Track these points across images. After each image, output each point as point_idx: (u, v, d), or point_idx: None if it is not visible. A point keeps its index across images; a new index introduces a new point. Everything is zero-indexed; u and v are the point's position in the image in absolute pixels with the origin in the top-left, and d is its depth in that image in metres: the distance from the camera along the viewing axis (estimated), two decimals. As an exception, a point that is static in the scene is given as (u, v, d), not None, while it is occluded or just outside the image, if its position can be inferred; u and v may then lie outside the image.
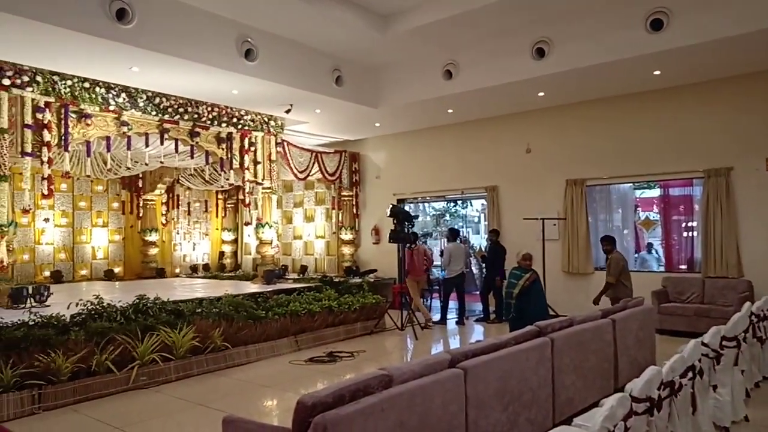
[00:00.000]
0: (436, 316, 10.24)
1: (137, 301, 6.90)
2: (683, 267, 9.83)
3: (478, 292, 11.59)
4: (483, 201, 15.53)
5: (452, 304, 10.45)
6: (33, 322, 5.89)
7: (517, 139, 10.90)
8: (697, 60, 7.83)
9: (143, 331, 6.32)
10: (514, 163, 10.97)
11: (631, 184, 10.35)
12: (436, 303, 11.37)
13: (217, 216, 15.27)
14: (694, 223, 9.68)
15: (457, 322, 10.06)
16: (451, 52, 9.19)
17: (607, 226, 10.57)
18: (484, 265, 10.58)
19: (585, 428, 3.24)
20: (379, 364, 7.58)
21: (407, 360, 7.76)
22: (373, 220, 13.27)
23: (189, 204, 14.48)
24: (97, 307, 6.49)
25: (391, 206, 9.37)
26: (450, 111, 10.62)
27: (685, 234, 10.06)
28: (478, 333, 9.56)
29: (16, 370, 5.14)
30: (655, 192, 10.52)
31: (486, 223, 18.68)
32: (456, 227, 11.56)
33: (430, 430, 3.09)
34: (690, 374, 3.51)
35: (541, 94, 9.48)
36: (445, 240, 10.71)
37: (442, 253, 10.67)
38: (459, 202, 16.32)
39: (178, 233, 14.39)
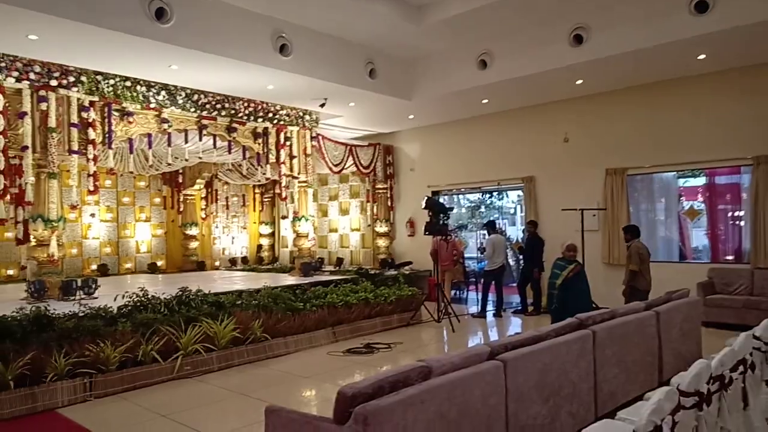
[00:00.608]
0: (474, 309, 10.18)
1: (180, 293, 7.10)
2: (730, 258, 9.47)
3: (515, 284, 11.44)
4: (518, 192, 15.36)
5: (490, 296, 10.36)
6: (83, 314, 6.13)
7: (554, 129, 10.68)
8: (744, 43, 7.50)
9: (186, 323, 6.50)
10: (551, 152, 10.77)
11: (674, 173, 10.01)
12: (473, 295, 11.31)
13: (254, 210, 15.55)
14: (742, 212, 9.31)
15: (494, 315, 9.97)
16: (486, 41, 9.07)
17: (649, 216, 10.28)
18: (521, 257, 10.41)
19: (630, 422, 3.18)
20: (415, 356, 7.61)
21: (444, 352, 7.75)
22: (408, 212, 13.26)
23: (227, 198, 14.77)
24: (142, 299, 6.71)
25: (426, 198, 9.34)
26: (485, 101, 10.49)
27: (731, 223, 9.69)
28: (515, 325, 9.47)
29: (68, 359, 5.36)
30: (700, 180, 10.14)
31: (522, 214, 18.45)
32: (493, 219, 11.42)
33: (469, 422, 3.09)
34: (741, 368, 3.38)
35: (579, 81, 9.26)
36: (484, 232, 10.58)
37: (481, 246, 10.59)
38: (495, 194, 16.15)
39: (217, 227, 14.72)
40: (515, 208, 18.90)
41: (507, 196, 16.99)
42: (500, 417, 3.33)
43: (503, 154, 11.45)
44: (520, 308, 10.26)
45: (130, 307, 6.53)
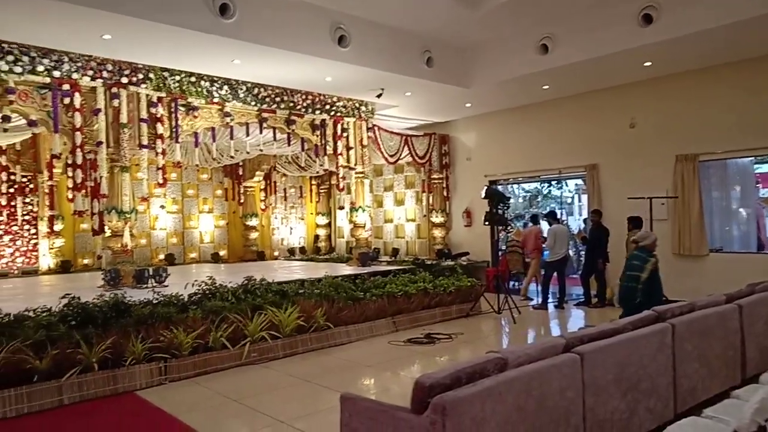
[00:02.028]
0: (534, 300, 9.98)
1: (246, 282, 7.29)
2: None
3: (576, 275, 11.13)
4: (576, 181, 14.87)
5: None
6: (156, 301, 6.40)
7: (620, 114, 10.25)
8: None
9: (252, 311, 6.68)
10: (616, 139, 10.35)
11: (750, 158, 9.42)
12: (532, 287, 11.07)
13: (311, 201, 15.79)
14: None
15: (556, 306, 9.74)
16: (547, 25, 8.77)
17: (723, 204, 9.74)
18: (584, 247, 10.09)
19: (720, 421, 3.02)
20: (477, 347, 7.53)
21: (506, 343, 7.63)
22: (465, 202, 13.11)
23: (285, 190, 15.06)
24: (211, 287, 6.93)
25: (486, 187, 9.18)
26: (545, 87, 10.18)
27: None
28: (579, 318, 9.21)
29: (145, 344, 5.62)
30: (780, 166, 9.52)
31: (581, 204, 17.84)
32: (553, 209, 11.12)
33: (547, 414, 3.01)
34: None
35: (648, 63, 8.82)
36: (545, 223, 10.34)
37: (542, 236, 10.37)
38: (554, 183, 15.72)
39: (275, 218, 15.04)
40: (573, 198, 18.34)
41: (566, 185, 16.52)
42: (577, 411, 3.23)
43: (564, 142, 11.10)
44: (583, 300, 9.96)
45: (199, 295, 6.76)
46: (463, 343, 7.27)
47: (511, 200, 13.65)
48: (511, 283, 11.76)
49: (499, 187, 12.66)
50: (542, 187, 16.40)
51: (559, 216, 11.79)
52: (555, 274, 9.89)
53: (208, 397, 5.29)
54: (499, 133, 12.35)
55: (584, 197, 18.69)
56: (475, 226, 12.87)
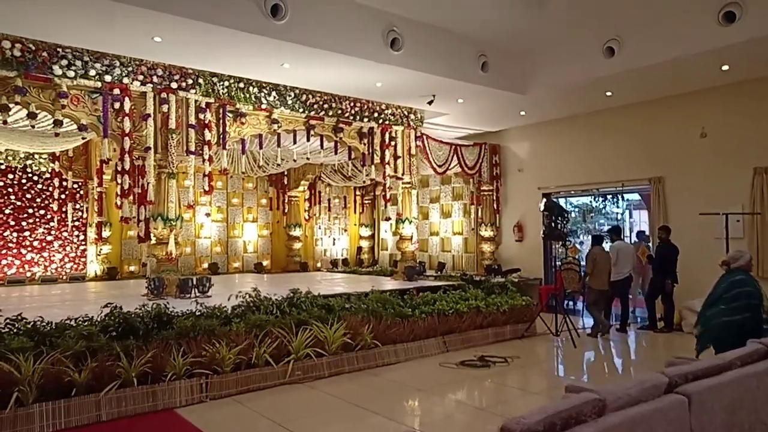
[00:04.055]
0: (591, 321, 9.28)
1: (291, 294, 6.97)
2: None
3: (639, 297, 10.36)
4: (630, 196, 14.01)
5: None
6: (199, 312, 6.14)
7: (689, 123, 9.52)
8: None
9: (297, 325, 6.33)
10: (684, 150, 9.61)
11: (842, 172, 8.55)
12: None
13: (354, 212, 15.50)
14: None
15: (618, 330, 9.02)
16: (614, 26, 8.19)
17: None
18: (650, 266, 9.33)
19: None
20: (537, 373, 6.96)
21: (562, 370, 7.03)
22: (516, 215, 12.51)
23: (329, 200, 14.82)
24: (255, 299, 6.64)
25: (545, 200, 8.62)
26: (609, 94, 9.55)
27: None
28: (644, 343, 8.50)
29: (186, 358, 5.33)
30: None
31: (632, 219, 16.86)
32: (617, 225, 10.36)
33: (654, 470, 2.50)
34: None
35: (726, 67, 8.12)
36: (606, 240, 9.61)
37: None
38: (609, 197, 14.91)
39: (319, 228, 14.81)
40: (623, 214, 17.34)
41: (622, 198, 15.65)
42: (687, 465, 2.70)
43: (626, 153, 10.41)
44: (647, 324, 9.20)
45: (243, 308, 6.48)
46: (521, 368, 6.71)
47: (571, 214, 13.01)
48: (566, 302, 11.05)
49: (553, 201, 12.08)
50: (597, 202, 15.59)
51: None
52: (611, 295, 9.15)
53: (250, 418, 4.94)
54: (555, 144, 11.74)
55: (636, 213, 17.75)
56: (526, 241, 12.26)
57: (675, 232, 9.24)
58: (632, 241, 10.63)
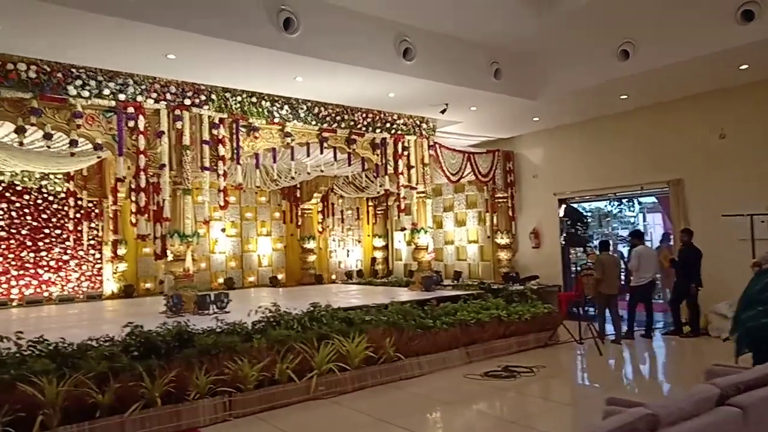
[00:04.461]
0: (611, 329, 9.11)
1: (311, 308, 6.89)
2: None
3: (661, 301, 10.19)
4: (643, 200, 13.85)
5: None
6: (220, 329, 6.06)
7: (707, 123, 9.38)
8: None
9: (318, 340, 6.23)
10: (703, 151, 9.46)
11: None
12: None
13: (368, 223, 15.42)
14: None
15: (643, 335, 8.83)
16: (628, 28, 8.09)
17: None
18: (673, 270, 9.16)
19: None
20: (564, 382, 6.81)
21: (588, 379, 6.86)
22: (532, 222, 12.36)
23: (342, 212, 14.75)
24: (275, 314, 6.56)
25: (564, 206, 8.49)
26: (623, 97, 9.44)
27: None
28: (672, 349, 8.32)
29: (209, 377, 5.25)
30: None
31: (645, 223, 16.65)
32: (639, 229, 10.20)
33: (714, 488, 2.38)
34: None
35: (744, 66, 7.99)
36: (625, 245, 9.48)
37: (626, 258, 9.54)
38: (625, 201, 14.73)
39: (333, 240, 14.75)
40: (636, 218, 17.10)
41: (638, 202, 15.46)
42: (745, 482, 2.57)
43: (642, 156, 10.27)
44: (672, 329, 9.01)
45: (263, 323, 6.40)
46: (548, 378, 6.56)
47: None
48: (587, 309, 10.87)
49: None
50: (612, 206, 15.41)
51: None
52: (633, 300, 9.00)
53: (276, 437, 4.84)
54: (569, 148, 11.62)
55: (650, 216, 17.52)
56: (543, 248, 12.10)
57: (696, 235, 9.08)
58: (655, 245, 10.49)
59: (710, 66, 7.97)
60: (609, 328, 8.84)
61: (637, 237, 9.14)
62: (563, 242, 8.44)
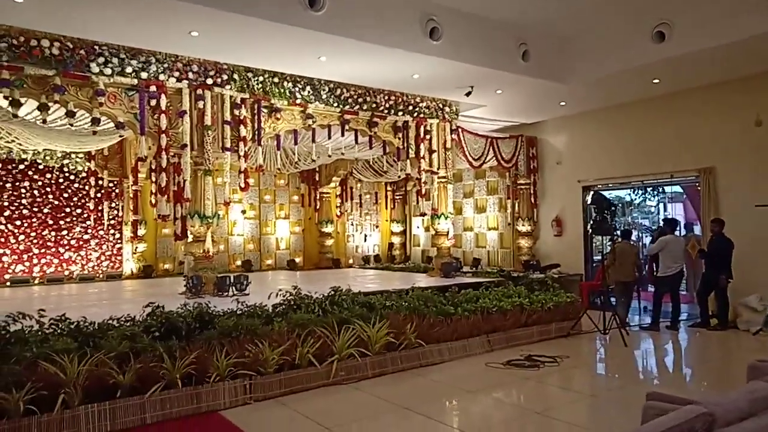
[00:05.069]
0: (635, 320, 8.94)
1: (332, 292, 6.80)
2: None
3: (684, 292, 9.91)
4: (669, 189, 13.46)
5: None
6: (240, 311, 6.00)
7: (741, 110, 9.01)
8: None
9: (339, 324, 6.15)
10: (736, 138, 9.12)
11: None
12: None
13: (386, 208, 15.30)
14: None
15: (668, 327, 8.62)
16: (665, 8, 7.77)
17: None
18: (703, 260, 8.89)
19: None
20: (589, 373, 6.66)
21: (615, 370, 6.70)
22: (554, 209, 12.13)
23: (360, 196, 14.63)
24: (296, 297, 6.48)
25: (592, 193, 8.27)
26: (656, 81, 9.12)
27: None
28: (698, 342, 8.10)
29: (229, 359, 5.19)
30: None
31: (666, 213, 16.24)
32: (673, 217, 9.90)
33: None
34: None
35: (785, 50, 7.65)
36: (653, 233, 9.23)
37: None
38: (649, 189, 14.36)
39: (351, 224, 14.66)
40: (656, 208, 16.69)
41: (662, 191, 15.08)
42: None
43: (672, 143, 9.96)
44: (699, 321, 8.78)
45: (284, 306, 6.32)
46: (573, 369, 6.42)
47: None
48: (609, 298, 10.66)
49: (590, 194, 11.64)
50: (636, 195, 15.04)
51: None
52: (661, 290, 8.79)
53: (297, 421, 4.78)
54: (596, 135, 11.31)
55: (670, 206, 17.09)
56: (566, 236, 11.88)
57: (727, 225, 8.78)
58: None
59: (750, 49, 7.63)
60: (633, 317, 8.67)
61: (669, 225, 8.86)
62: (590, 230, 8.19)
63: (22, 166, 10.54)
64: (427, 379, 6.04)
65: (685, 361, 7.51)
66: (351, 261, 14.52)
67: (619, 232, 8.79)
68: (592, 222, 8.07)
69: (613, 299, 9.39)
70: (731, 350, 7.69)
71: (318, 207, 13.88)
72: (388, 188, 15.08)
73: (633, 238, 9.72)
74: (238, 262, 12.76)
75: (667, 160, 10.00)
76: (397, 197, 15.22)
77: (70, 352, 4.62)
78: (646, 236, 12.88)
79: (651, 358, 7.47)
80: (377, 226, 15.32)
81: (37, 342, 4.77)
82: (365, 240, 15.04)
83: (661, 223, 9.87)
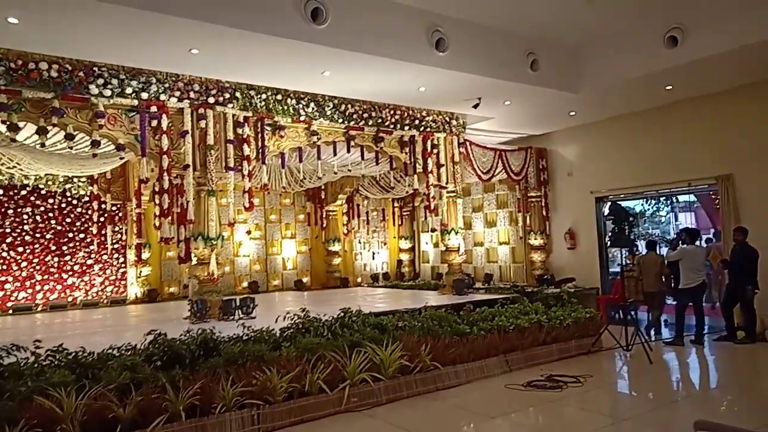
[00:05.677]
0: (652, 333, 8.61)
1: (342, 314, 6.52)
2: None
3: (706, 304, 9.56)
4: (677, 198, 13.21)
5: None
6: (246, 337, 5.74)
7: (759, 115, 8.79)
8: None
9: (350, 348, 5.86)
10: (755, 144, 8.86)
11: None
12: (642, 316, 9.68)
13: (393, 224, 15.06)
14: None
15: (693, 341, 8.27)
16: (677, 12, 7.58)
17: None
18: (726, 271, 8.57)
19: None
20: (617, 394, 6.29)
21: (642, 389, 6.35)
22: (567, 222, 11.83)
23: (367, 213, 14.41)
24: (304, 320, 6.21)
25: (609, 204, 8.00)
26: (669, 87, 8.89)
27: None
28: (726, 357, 7.73)
29: (236, 388, 4.91)
30: None
31: (678, 223, 15.97)
32: (693, 228, 9.62)
33: None
34: None
35: (803, 52, 7.41)
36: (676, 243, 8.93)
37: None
38: (663, 200, 14.10)
39: (358, 242, 14.41)
40: (667, 217, 16.40)
41: (676, 200, 14.81)
42: None
43: (686, 150, 9.69)
44: (725, 335, 8.42)
45: (292, 330, 6.05)
46: (598, 389, 6.08)
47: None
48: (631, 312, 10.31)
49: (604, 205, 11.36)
50: (649, 205, 14.77)
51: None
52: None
53: (308, 454, 4.48)
54: (608, 144, 11.06)
55: (682, 215, 16.79)
56: (579, 248, 11.57)
57: (750, 234, 8.46)
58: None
59: (764, 53, 7.39)
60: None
61: (689, 235, 8.56)
62: (608, 242, 7.90)
63: (24, 192, 10.40)
64: (445, 403, 5.73)
65: (718, 379, 7.11)
66: (359, 279, 14.24)
67: (642, 243, 8.51)
68: (610, 234, 7.75)
69: (632, 313, 9.08)
70: (764, 365, 7.32)
71: (324, 225, 13.66)
72: (395, 204, 14.86)
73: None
74: (245, 284, 12.52)
75: (682, 168, 9.72)
76: (405, 213, 14.99)
77: (68, 385, 4.36)
78: (664, 247, 12.59)
79: (679, 375, 7.10)
80: (385, 244, 15.06)
81: (32, 375, 4.51)
82: (373, 258, 14.77)
83: (677, 233, 9.61)
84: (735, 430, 2.40)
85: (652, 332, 8.99)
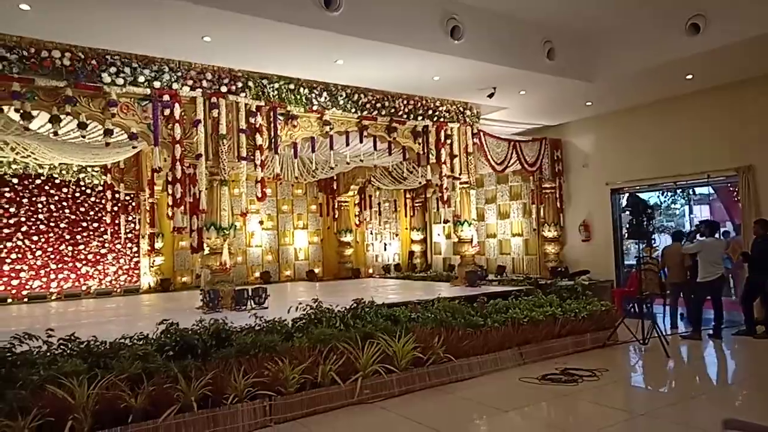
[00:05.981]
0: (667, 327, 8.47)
1: (354, 305, 6.47)
2: None
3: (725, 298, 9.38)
4: (699, 190, 12.93)
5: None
6: (258, 327, 5.71)
7: (782, 105, 8.56)
8: None
9: (362, 339, 5.81)
10: (777, 135, 8.64)
11: None
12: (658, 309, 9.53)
13: (405, 215, 14.98)
14: None
15: (711, 335, 8.11)
16: (697, 0, 7.37)
17: None
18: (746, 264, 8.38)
19: None
20: (633, 388, 6.18)
21: (663, 383, 6.24)
22: (581, 214, 11.68)
23: (379, 204, 14.33)
24: (316, 311, 6.17)
25: (628, 195, 7.85)
26: (689, 77, 8.68)
27: None
28: (745, 351, 7.58)
29: (247, 379, 4.89)
30: None
31: (692, 215, 15.68)
32: (713, 220, 9.40)
33: None
34: None
35: (831, 39, 7.17)
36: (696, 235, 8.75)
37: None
38: (679, 192, 13.82)
39: (370, 233, 14.36)
40: (682, 209, 16.10)
41: (693, 193, 14.52)
42: None
43: (706, 141, 9.50)
44: (744, 329, 8.25)
45: (305, 321, 6.01)
46: (615, 383, 5.98)
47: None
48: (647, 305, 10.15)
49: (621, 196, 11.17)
50: (665, 197, 14.52)
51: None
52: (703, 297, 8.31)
53: (321, 446, 4.44)
54: (623, 135, 10.87)
55: (697, 208, 16.47)
56: (594, 241, 11.42)
57: (770, 226, 8.25)
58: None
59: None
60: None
61: (708, 228, 8.38)
62: (626, 235, 7.76)
63: (38, 181, 10.45)
64: (457, 396, 5.66)
65: (738, 375, 6.96)
66: (371, 270, 14.20)
67: (658, 237, 8.36)
68: (627, 226, 7.60)
69: (649, 306, 8.93)
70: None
71: (336, 216, 13.62)
72: (408, 195, 14.77)
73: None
74: (257, 274, 12.53)
75: (701, 159, 9.52)
76: (417, 204, 14.90)
77: (80, 374, 4.35)
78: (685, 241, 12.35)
79: (698, 370, 6.97)
80: (397, 235, 15.00)
81: (44, 364, 4.51)
82: (385, 249, 14.72)
83: (696, 225, 9.42)
84: (766, 430, 2.29)
85: (681, 322, 9.00)
